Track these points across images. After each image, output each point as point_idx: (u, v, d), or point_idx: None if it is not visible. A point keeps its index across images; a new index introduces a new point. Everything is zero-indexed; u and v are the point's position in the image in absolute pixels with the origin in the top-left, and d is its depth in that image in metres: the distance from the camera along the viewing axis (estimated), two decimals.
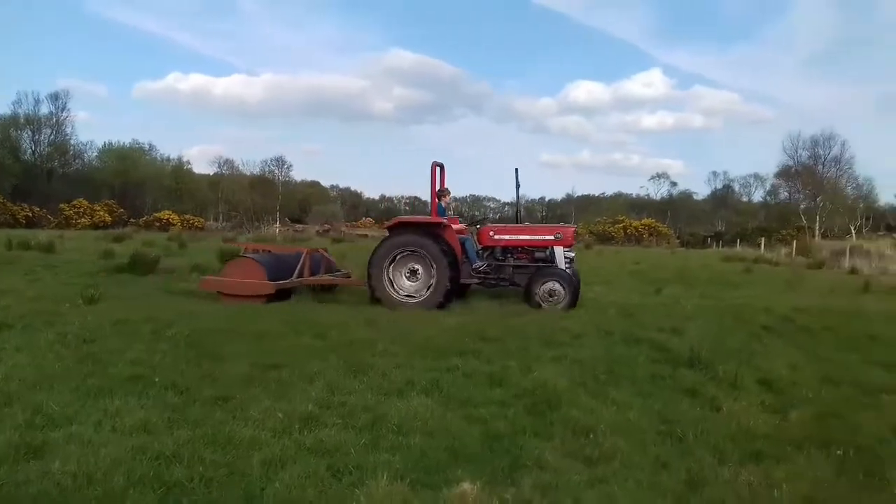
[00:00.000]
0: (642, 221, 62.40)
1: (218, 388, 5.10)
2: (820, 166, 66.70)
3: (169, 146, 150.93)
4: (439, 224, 10.53)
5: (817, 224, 62.13)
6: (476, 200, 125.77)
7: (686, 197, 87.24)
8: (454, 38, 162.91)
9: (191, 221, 55.72)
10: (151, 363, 5.74)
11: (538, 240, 10.79)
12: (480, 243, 10.97)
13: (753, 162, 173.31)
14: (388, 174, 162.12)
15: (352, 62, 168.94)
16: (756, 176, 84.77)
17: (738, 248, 41.98)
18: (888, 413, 5.11)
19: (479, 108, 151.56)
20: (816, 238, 53.92)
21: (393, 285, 10.34)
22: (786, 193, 74.49)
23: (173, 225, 50.84)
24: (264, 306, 9.37)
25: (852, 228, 62.07)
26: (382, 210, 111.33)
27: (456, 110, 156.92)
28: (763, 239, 45.31)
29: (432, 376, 5.59)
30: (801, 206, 67.21)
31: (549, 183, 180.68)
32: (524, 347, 6.98)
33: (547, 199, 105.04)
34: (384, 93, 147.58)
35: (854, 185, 67.10)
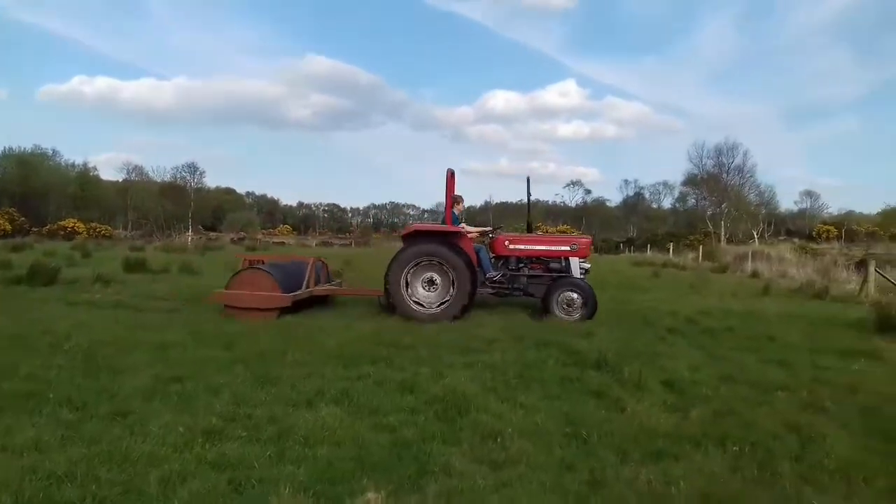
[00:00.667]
0: (558, 228, 63.67)
1: (116, 403, 4.90)
2: (724, 174, 69.66)
3: (74, 152, 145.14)
4: (458, 233, 10.34)
5: (722, 229, 64.83)
6: (396, 207, 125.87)
7: (600, 204, 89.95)
8: (371, 46, 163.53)
9: (97, 230, 53.74)
10: (47, 378, 5.48)
11: (554, 250, 10.77)
12: (494, 252, 10.85)
13: (664, 170, 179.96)
14: (306, 181, 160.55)
15: (267, 67, 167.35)
16: (665, 184, 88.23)
17: (649, 254, 43.35)
18: (781, 410, 5.31)
19: (397, 115, 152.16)
20: (722, 243, 56.18)
21: (410, 296, 10.06)
22: (693, 200, 77.51)
23: (78, 234, 48.92)
24: (169, 317, 9.06)
25: (755, 233, 65.12)
26: (300, 217, 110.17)
27: (374, 117, 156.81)
28: (672, 244, 47.02)
29: (343, 385, 5.53)
30: (708, 212, 70.05)
31: (468, 190, 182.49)
32: (437, 354, 6.99)
33: (466, 206, 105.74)
34: (301, 99, 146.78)
35: (756, 192, 70.61)
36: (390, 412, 4.93)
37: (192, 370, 5.91)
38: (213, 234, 62.01)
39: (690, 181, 73.71)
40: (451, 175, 10.72)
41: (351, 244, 64.47)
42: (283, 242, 59.38)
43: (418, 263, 10.03)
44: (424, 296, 10.11)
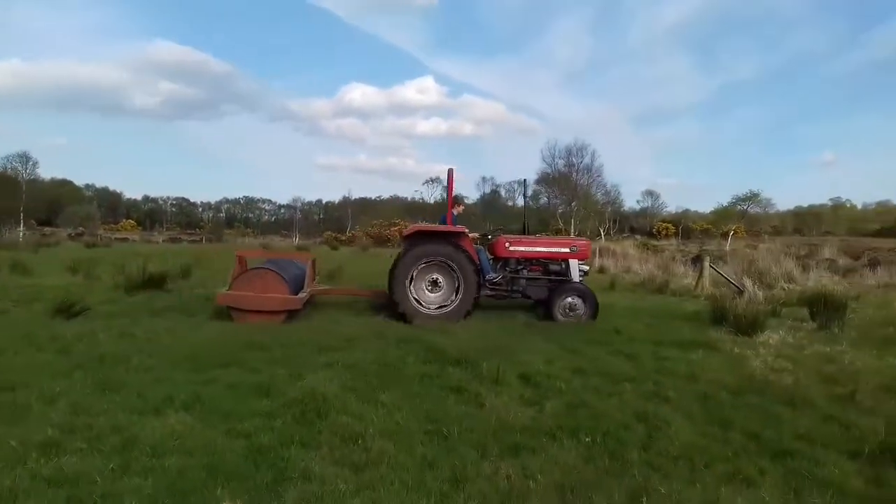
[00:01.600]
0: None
1: None
2: (574, 174, 72.70)
3: None
4: (462, 234, 10.15)
5: (572, 226, 67.67)
6: (250, 202, 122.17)
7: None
8: (225, 34, 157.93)
9: None
10: None
11: (554, 252, 10.68)
12: (494, 254, 10.70)
13: (520, 168, 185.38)
14: (153, 173, 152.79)
15: (111, 52, 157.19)
16: (520, 181, 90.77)
17: None
18: (629, 400, 5.58)
19: (251, 106, 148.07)
20: None
21: (416, 298, 9.86)
22: (545, 198, 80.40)
23: None
24: None
25: (602, 231, 68.53)
26: (146, 211, 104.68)
27: (227, 108, 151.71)
28: None
29: (193, 390, 5.26)
30: (559, 209, 72.85)
31: (325, 185, 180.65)
32: (295, 354, 6.82)
33: (324, 202, 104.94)
34: (147, 86, 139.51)
35: (603, 191, 74.24)
36: (245, 417, 4.73)
37: (25, 377, 5.44)
38: (47, 230, 57.92)
39: (543, 179, 76.46)
40: (451, 174, 10.60)
41: (202, 240, 62.12)
42: (127, 238, 56.30)
43: (423, 265, 9.93)
44: (428, 297, 10.03)
